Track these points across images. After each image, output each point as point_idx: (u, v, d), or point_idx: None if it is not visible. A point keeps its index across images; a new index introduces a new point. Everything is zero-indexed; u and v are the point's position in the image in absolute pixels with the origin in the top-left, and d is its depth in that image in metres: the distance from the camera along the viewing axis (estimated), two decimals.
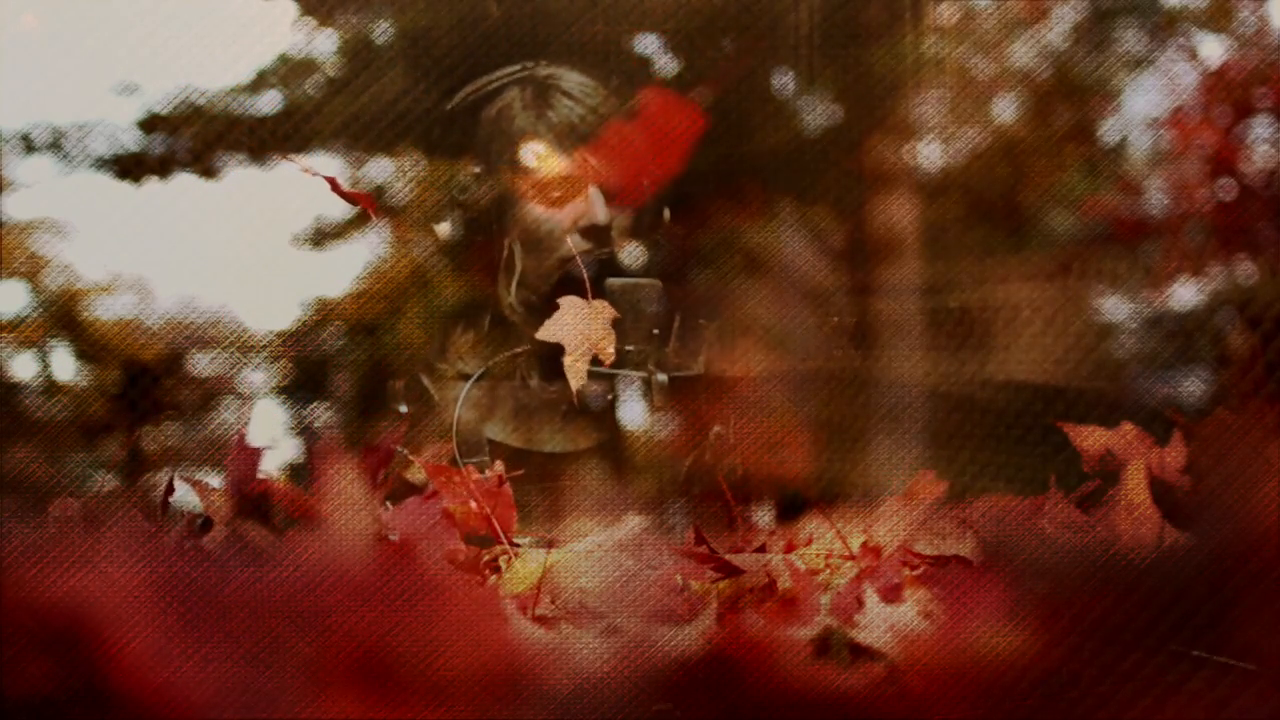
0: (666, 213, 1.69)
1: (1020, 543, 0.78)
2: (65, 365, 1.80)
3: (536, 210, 1.65)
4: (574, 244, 1.64)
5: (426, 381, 1.67)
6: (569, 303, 1.35)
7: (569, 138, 1.63)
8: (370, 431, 1.75)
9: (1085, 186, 1.78)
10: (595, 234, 1.63)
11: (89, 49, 1.65)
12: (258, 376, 1.77)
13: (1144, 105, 1.74)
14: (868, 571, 0.97)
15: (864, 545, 1.09)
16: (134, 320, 1.77)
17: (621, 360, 1.61)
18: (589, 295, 1.57)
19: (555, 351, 1.63)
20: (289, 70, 1.77)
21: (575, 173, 1.64)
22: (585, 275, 1.60)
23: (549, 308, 1.66)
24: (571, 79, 1.66)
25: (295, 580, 0.71)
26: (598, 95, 1.65)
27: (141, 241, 1.72)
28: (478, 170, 1.69)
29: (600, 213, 1.64)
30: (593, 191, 1.64)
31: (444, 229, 1.72)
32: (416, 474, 1.24)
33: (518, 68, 1.66)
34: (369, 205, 1.31)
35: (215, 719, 0.65)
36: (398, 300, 1.79)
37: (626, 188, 1.49)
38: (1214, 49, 1.77)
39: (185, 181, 1.77)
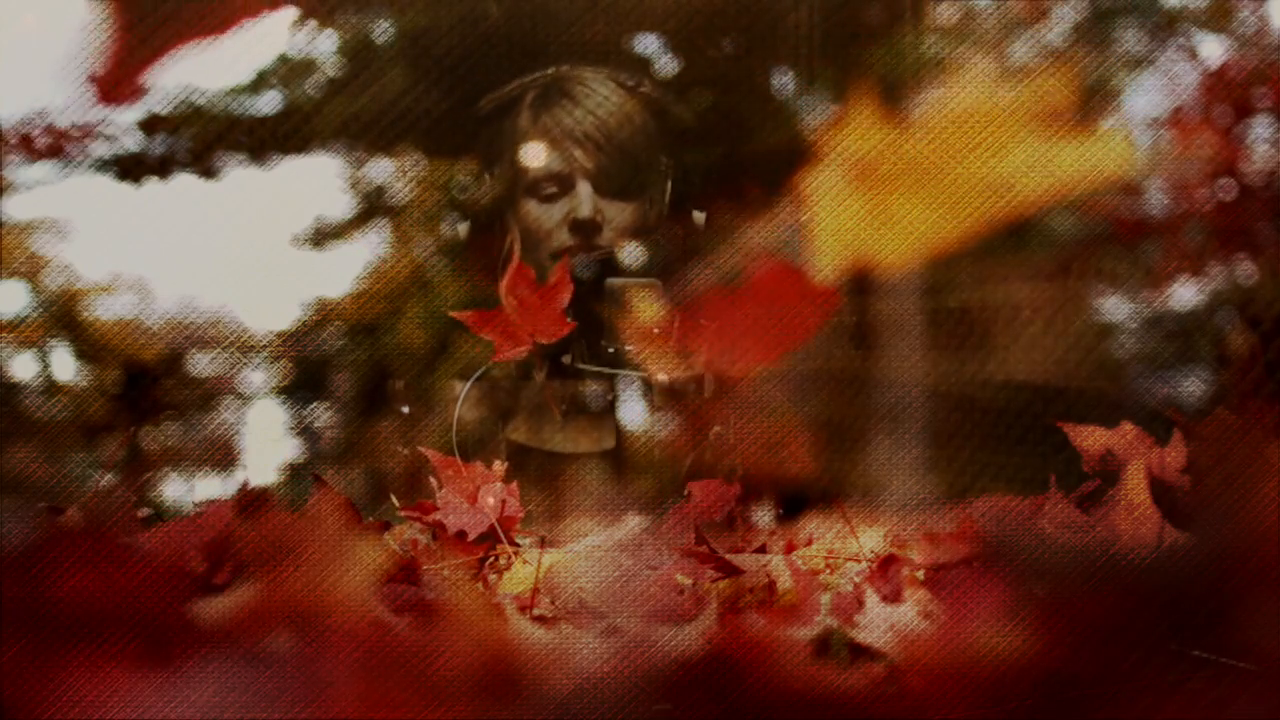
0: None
1: (1020, 543, 0.78)
2: (65, 365, 1.80)
3: (530, 206, 1.65)
4: (563, 240, 1.64)
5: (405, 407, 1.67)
6: None
7: (561, 140, 1.64)
8: (370, 433, 1.75)
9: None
10: (583, 229, 1.63)
11: (89, 49, 1.64)
12: (258, 376, 1.77)
13: (1144, 105, 1.74)
14: (873, 572, 0.97)
15: (878, 555, 1.09)
16: (134, 320, 1.77)
17: (621, 360, 1.61)
18: (589, 296, 1.58)
19: (557, 350, 1.63)
20: (289, 70, 1.77)
21: (563, 169, 1.64)
22: (584, 274, 1.60)
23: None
24: (587, 83, 1.66)
25: (295, 580, 0.71)
26: (608, 103, 1.65)
27: (141, 241, 1.72)
28: (483, 171, 1.69)
29: (586, 207, 1.63)
30: (581, 186, 1.64)
31: (465, 228, 1.72)
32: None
33: (543, 73, 1.67)
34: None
35: (216, 719, 0.65)
36: (398, 300, 1.79)
37: (742, 364, 1.40)
38: (1214, 49, 1.77)
39: (185, 181, 1.77)
